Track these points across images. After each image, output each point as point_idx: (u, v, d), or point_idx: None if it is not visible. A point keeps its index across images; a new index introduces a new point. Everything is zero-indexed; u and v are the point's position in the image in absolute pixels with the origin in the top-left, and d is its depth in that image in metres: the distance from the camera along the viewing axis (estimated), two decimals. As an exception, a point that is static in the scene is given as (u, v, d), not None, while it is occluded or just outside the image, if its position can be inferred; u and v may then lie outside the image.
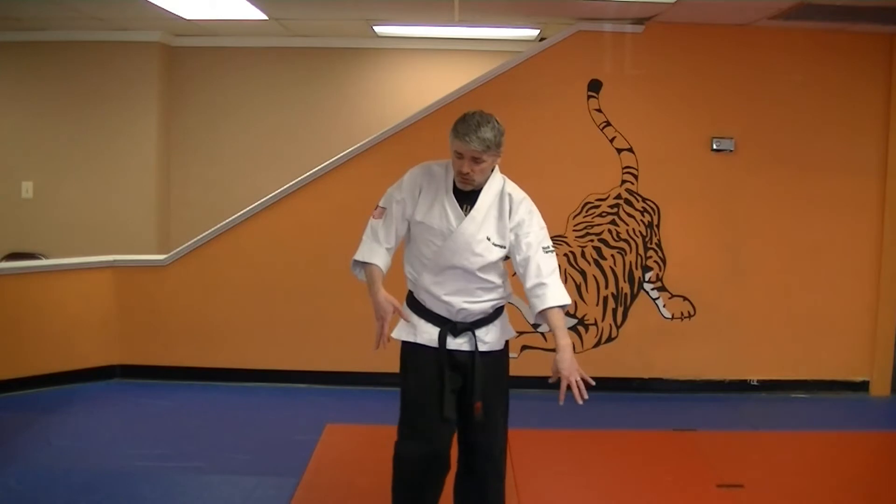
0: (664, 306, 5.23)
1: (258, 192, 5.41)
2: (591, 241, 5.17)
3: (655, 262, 5.20)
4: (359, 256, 2.79)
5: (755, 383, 5.28)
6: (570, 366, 2.59)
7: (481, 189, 2.72)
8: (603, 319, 5.22)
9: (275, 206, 5.13)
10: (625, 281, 5.21)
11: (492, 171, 2.74)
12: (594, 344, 5.23)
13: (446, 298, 2.72)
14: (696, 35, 5.05)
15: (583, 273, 5.18)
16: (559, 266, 5.31)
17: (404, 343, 2.80)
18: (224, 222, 5.18)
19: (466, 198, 2.73)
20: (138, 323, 5.25)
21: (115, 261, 5.24)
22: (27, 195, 6.29)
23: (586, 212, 5.17)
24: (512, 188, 2.78)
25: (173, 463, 3.87)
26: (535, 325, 5.20)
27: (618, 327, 5.24)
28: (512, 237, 2.73)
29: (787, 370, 5.28)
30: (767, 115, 5.13)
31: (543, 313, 2.70)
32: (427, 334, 2.75)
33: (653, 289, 5.22)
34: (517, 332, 5.23)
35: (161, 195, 6.35)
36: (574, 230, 5.17)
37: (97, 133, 6.21)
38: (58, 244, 6.08)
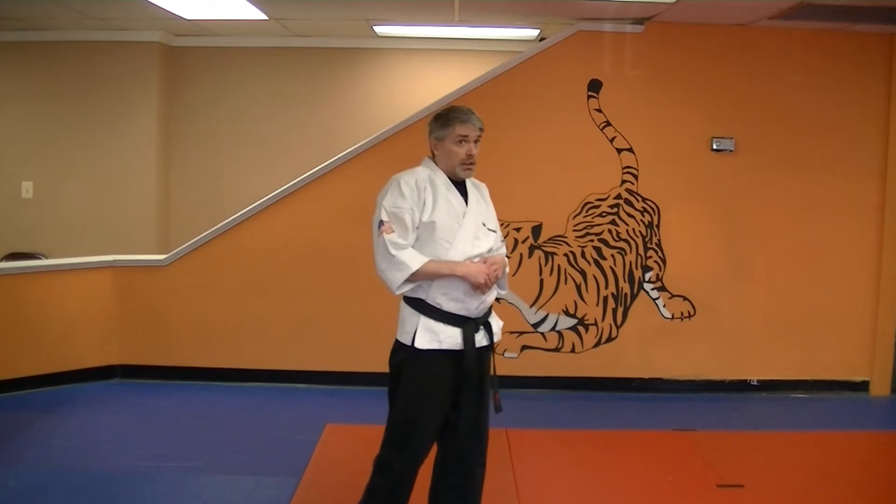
0: (664, 306, 5.23)
1: (258, 192, 5.42)
2: (591, 241, 5.17)
3: (655, 262, 5.20)
4: (412, 265, 2.63)
5: (755, 383, 5.28)
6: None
7: (464, 181, 2.83)
8: (603, 319, 5.22)
9: (274, 206, 5.13)
10: (625, 281, 5.21)
11: None
12: (594, 344, 5.23)
13: (465, 296, 2.70)
14: (696, 35, 5.05)
15: (583, 273, 5.18)
16: (559, 266, 5.33)
17: (419, 351, 2.68)
18: (224, 222, 5.19)
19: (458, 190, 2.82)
20: (138, 323, 5.25)
21: (115, 261, 5.24)
22: (27, 195, 6.29)
23: (586, 212, 5.17)
24: (477, 181, 2.92)
25: (173, 463, 3.87)
26: (535, 325, 5.20)
27: (618, 327, 5.24)
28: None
29: (787, 370, 5.28)
30: (767, 115, 5.13)
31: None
32: (451, 338, 2.69)
33: (653, 289, 5.22)
34: (517, 332, 5.28)
35: (161, 195, 6.35)
36: (574, 230, 5.17)
37: (97, 133, 6.22)
38: (58, 244, 6.09)
